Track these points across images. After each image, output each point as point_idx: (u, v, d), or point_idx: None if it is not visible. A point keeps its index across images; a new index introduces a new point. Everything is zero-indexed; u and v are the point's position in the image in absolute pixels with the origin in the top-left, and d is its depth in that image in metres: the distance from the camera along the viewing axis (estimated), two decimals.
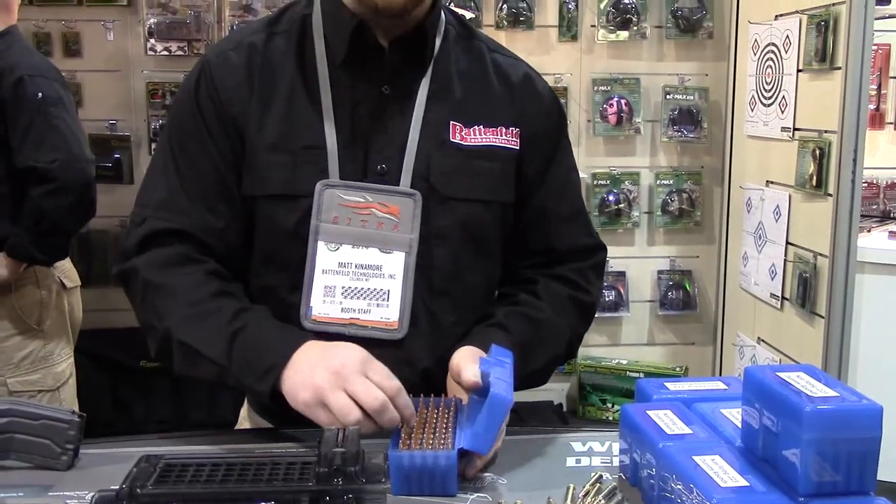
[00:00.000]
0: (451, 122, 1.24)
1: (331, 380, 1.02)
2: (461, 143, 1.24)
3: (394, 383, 1.03)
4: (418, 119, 1.22)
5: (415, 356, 1.22)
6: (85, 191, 2.32)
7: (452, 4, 3.05)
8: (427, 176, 1.21)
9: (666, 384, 1.10)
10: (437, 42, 1.26)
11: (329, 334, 1.17)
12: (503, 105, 1.28)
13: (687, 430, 0.94)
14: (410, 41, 1.23)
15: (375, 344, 1.16)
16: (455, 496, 0.97)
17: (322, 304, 1.19)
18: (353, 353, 1.05)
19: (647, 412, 0.99)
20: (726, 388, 1.09)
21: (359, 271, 1.20)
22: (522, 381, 1.17)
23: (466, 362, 1.09)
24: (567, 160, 1.37)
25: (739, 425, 0.93)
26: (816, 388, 0.83)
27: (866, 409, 0.80)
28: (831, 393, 0.82)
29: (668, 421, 0.96)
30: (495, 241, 1.30)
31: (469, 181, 1.24)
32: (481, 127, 1.25)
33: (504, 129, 1.26)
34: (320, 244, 1.19)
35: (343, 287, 1.19)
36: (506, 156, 1.27)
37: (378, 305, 1.19)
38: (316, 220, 1.18)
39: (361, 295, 1.19)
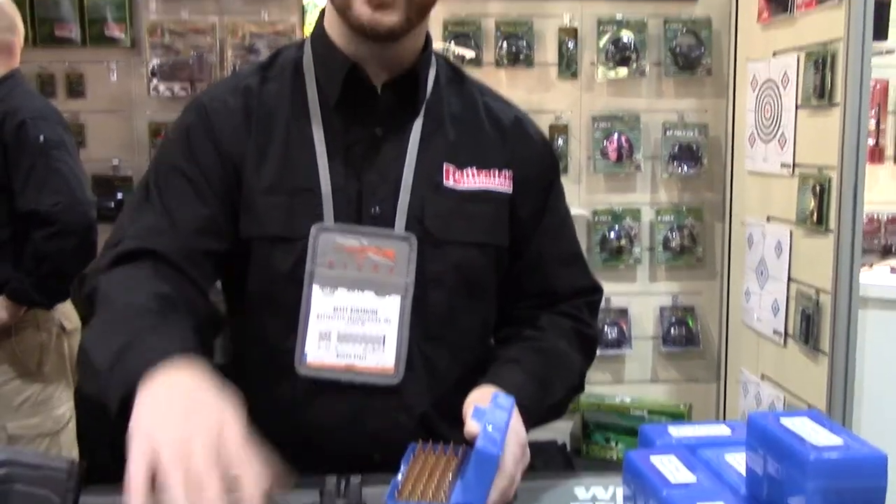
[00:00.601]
0: (445, 165, 1.24)
1: (174, 451, 0.78)
2: (455, 186, 1.24)
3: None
4: (412, 161, 1.22)
5: (412, 402, 1.21)
6: (86, 233, 2.33)
7: (453, 43, 3.07)
8: (421, 219, 1.21)
9: (669, 429, 1.08)
10: (430, 84, 1.27)
11: (324, 381, 1.16)
12: (495, 148, 1.29)
13: (691, 478, 0.92)
14: (403, 83, 1.23)
15: (372, 391, 1.15)
16: None
17: (317, 349, 1.18)
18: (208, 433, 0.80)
19: (651, 458, 0.97)
20: (730, 432, 1.08)
21: (354, 316, 1.19)
22: (543, 415, 1.19)
23: (472, 408, 1.08)
24: (562, 203, 1.38)
25: (744, 472, 0.92)
26: (821, 436, 0.82)
27: (872, 457, 0.79)
28: (836, 440, 0.81)
29: (671, 468, 0.95)
30: (490, 283, 1.29)
31: (463, 224, 1.24)
32: (474, 169, 1.25)
33: (497, 172, 1.27)
34: (315, 288, 1.18)
35: (338, 332, 1.18)
36: (499, 199, 1.27)
37: (374, 350, 1.19)
38: (311, 264, 1.18)
39: (357, 340, 1.19)
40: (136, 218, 1.18)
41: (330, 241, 1.18)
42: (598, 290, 1.40)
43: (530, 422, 1.16)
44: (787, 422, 0.86)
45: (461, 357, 1.26)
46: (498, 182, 1.27)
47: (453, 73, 1.34)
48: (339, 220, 1.19)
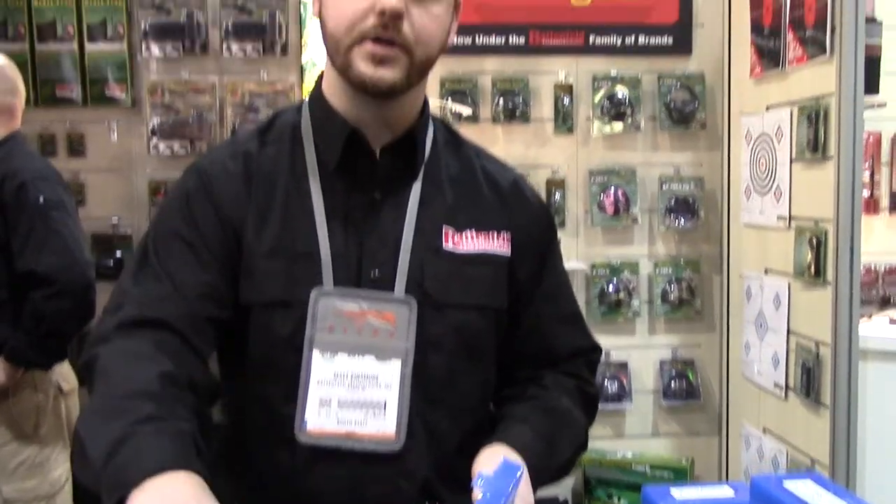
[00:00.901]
0: (444, 228, 1.25)
1: None
2: (454, 249, 1.24)
3: None
4: (411, 224, 1.23)
5: (413, 468, 1.20)
6: (84, 294, 2.33)
7: (450, 99, 3.11)
8: (421, 282, 1.21)
9: (672, 491, 1.08)
10: (427, 147, 1.28)
11: (325, 448, 1.15)
12: (494, 211, 1.29)
13: None
14: (401, 147, 1.24)
15: (373, 458, 1.14)
16: None
17: (317, 416, 1.17)
18: None
19: None
20: (733, 494, 1.07)
21: (355, 381, 1.18)
22: (552, 474, 1.19)
23: (476, 475, 1.07)
24: (560, 264, 1.39)
25: None
26: (824, 499, 0.82)
27: None
28: (839, 503, 0.81)
29: None
30: (489, 346, 1.29)
31: (463, 287, 1.24)
32: (473, 232, 1.26)
33: (496, 235, 1.28)
34: (315, 353, 1.17)
35: (339, 398, 1.17)
36: (498, 261, 1.28)
37: (374, 416, 1.17)
38: (311, 330, 1.17)
39: (358, 406, 1.18)
40: (137, 283, 1.17)
41: (330, 305, 1.18)
42: (596, 350, 1.41)
43: (539, 481, 1.16)
44: (790, 485, 0.85)
45: (461, 420, 1.25)
46: (497, 245, 1.28)
47: (450, 135, 1.35)
48: (338, 284, 1.19)
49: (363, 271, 1.21)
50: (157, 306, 1.13)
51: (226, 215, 1.21)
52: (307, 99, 1.31)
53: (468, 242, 1.26)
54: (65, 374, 2.52)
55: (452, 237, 1.25)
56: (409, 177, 1.26)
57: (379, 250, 1.22)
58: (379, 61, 1.14)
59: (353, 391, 1.18)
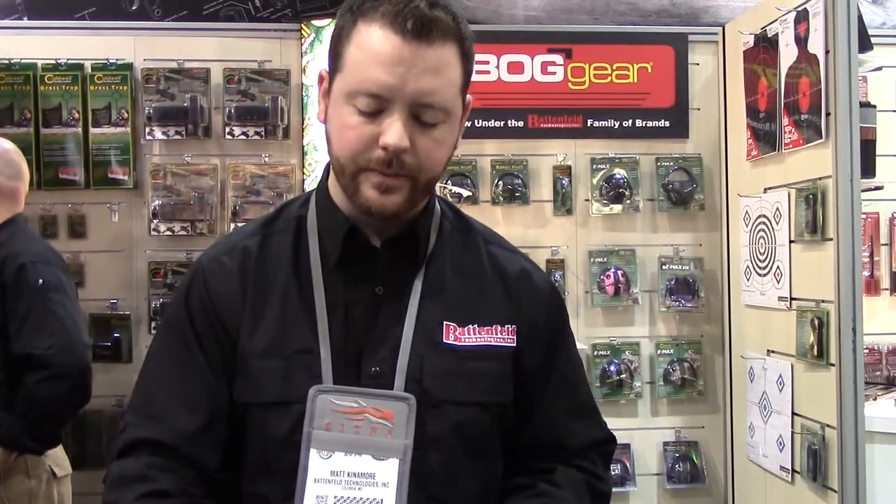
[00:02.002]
0: (445, 323, 1.23)
1: None
2: (455, 343, 1.22)
3: None
4: (412, 319, 1.21)
5: None
6: (81, 377, 2.31)
7: (450, 182, 3.14)
8: (420, 378, 1.19)
9: None
10: (432, 239, 1.27)
11: None
12: (500, 301, 1.27)
13: None
14: (403, 241, 1.24)
15: None
16: None
17: None
18: None
19: None
20: None
21: (351, 480, 1.15)
22: None
23: None
24: (571, 355, 1.35)
25: None
26: None
27: None
28: None
29: None
30: (493, 442, 1.26)
31: (463, 384, 1.21)
32: (476, 326, 1.24)
33: (500, 328, 1.25)
34: (312, 452, 1.15)
35: (335, 496, 1.14)
36: (502, 354, 1.25)
37: None
38: (308, 427, 1.15)
39: None
40: (139, 393, 1.24)
41: (328, 403, 1.16)
42: (611, 441, 1.37)
43: None
44: None
45: None
46: (500, 338, 1.25)
47: (459, 221, 1.33)
48: (337, 380, 1.18)
49: (363, 368, 1.19)
50: (147, 425, 1.20)
51: (219, 317, 1.21)
52: (315, 191, 1.31)
53: (470, 336, 1.23)
54: (58, 458, 2.47)
55: (454, 332, 1.23)
56: (412, 270, 1.24)
57: (379, 347, 1.20)
58: (384, 190, 1.15)
59: (350, 490, 1.15)
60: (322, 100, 1.23)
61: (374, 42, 1.12)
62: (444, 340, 1.22)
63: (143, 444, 1.18)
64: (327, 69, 1.21)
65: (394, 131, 1.12)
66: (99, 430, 3.16)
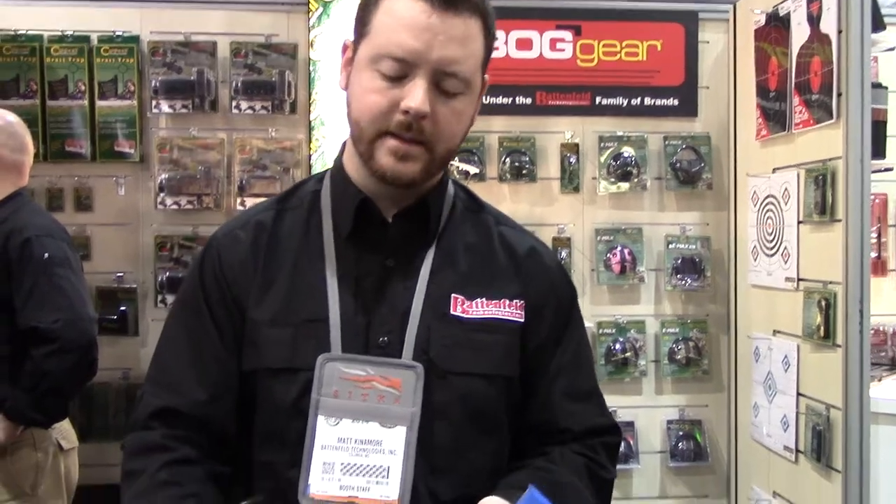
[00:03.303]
0: (453, 295, 1.23)
1: None
2: (462, 315, 1.23)
3: None
4: (421, 292, 1.22)
5: None
6: (86, 351, 2.32)
7: (457, 160, 3.12)
8: (427, 349, 1.20)
9: None
10: (444, 215, 1.28)
11: None
12: (507, 278, 1.28)
13: None
14: (414, 214, 1.25)
15: None
16: None
17: (321, 481, 1.15)
18: None
19: None
20: None
21: (358, 447, 1.16)
22: None
23: None
24: (578, 337, 1.34)
25: None
26: None
27: None
28: None
29: None
30: (500, 416, 1.26)
31: (469, 355, 1.22)
32: (483, 300, 1.24)
33: (507, 302, 1.25)
34: (320, 419, 1.17)
35: (342, 463, 1.15)
36: (509, 328, 1.25)
37: (378, 483, 1.15)
38: (316, 394, 1.17)
39: (361, 472, 1.16)
40: (156, 364, 1.27)
41: (336, 370, 1.17)
42: (615, 431, 1.35)
43: None
44: None
45: (469, 491, 1.20)
46: (508, 311, 1.25)
47: (471, 201, 1.35)
48: (346, 350, 1.19)
49: (371, 338, 1.21)
50: (164, 395, 1.22)
51: (231, 289, 1.24)
52: (330, 168, 1.33)
53: (477, 309, 1.24)
54: (64, 431, 2.49)
55: (461, 304, 1.23)
56: (423, 244, 1.25)
57: (387, 317, 1.21)
58: (401, 157, 1.16)
59: (357, 456, 1.16)
60: (344, 69, 1.24)
61: (403, 8, 1.14)
62: (452, 312, 1.23)
63: (161, 412, 1.21)
64: (352, 39, 1.23)
65: (416, 95, 1.13)
66: (105, 402, 3.18)
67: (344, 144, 1.31)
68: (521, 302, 1.26)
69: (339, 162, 1.30)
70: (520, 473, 1.23)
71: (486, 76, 1.25)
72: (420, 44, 1.13)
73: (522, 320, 1.26)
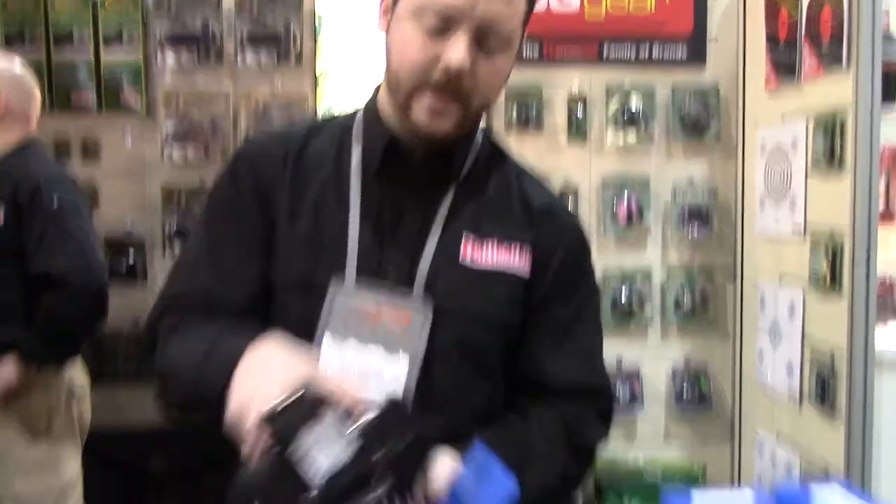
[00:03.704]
0: (464, 240, 1.25)
1: (239, 411, 0.99)
2: (471, 260, 1.24)
3: None
4: (435, 234, 1.24)
5: None
6: (97, 297, 2.35)
7: None
8: (432, 291, 1.22)
9: (693, 495, 1.08)
10: (469, 162, 1.29)
11: None
12: (521, 229, 1.28)
13: None
14: (441, 158, 1.26)
15: None
16: None
17: None
18: (273, 388, 0.94)
19: None
20: (755, 499, 1.07)
21: (361, 373, 1.18)
22: None
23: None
24: (585, 298, 1.33)
25: None
26: None
27: None
28: None
29: None
30: (496, 362, 1.27)
31: (473, 299, 1.23)
32: (494, 248, 1.25)
33: (517, 253, 1.26)
34: (326, 336, 1.19)
35: None
36: (515, 279, 1.26)
37: None
38: (326, 321, 1.19)
39: None
40: (193, 272, 1.26)
41: (347, 300, 1.20)
42: (605, 394, 1.32)
43: None
44: (817, 492, 0.85)
45: (460, 436, 1.18)
46: (516, 262, 1.26)
47: (496, 151, 1.35)
48: (359, 282, 1.21)
49: (381, 272, 1.22)
50: (207, 303, 1.22)
51: (262, 194, 1.25)
52: (363, 106, 1.34)
53: (487, 255, 1.25)
54: (76, 375, 2.53)
55: (472, 248, 1.25)
56: (444, 187, 1.27)
57: (398, 256, 1.23)
58: (436, 113, 1.17)
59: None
60: (384, 15, 1.23)
61: None
62: (462, 256, 1.24)
63: (197, 304, 1.23)
64: None
65: (458, 51, 1.13)
66: (116, 350, 3.23)
67: (376, 89, 1.31)
68: (530, 254, 1.27)
69: (372, 102, 1.31)
70: (491, 429, 1.22)
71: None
72: (464, 0, 1.12)
73: (528, 272, 1.27)
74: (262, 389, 0.95)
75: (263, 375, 0.98)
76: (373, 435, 0.84)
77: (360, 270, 1.21)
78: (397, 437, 0.86)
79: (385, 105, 1.27)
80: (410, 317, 1.20)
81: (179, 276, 1.28)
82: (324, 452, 0.81)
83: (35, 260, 2.31)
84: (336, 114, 1.38)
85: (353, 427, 0.84)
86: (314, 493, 0.80)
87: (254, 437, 0.91)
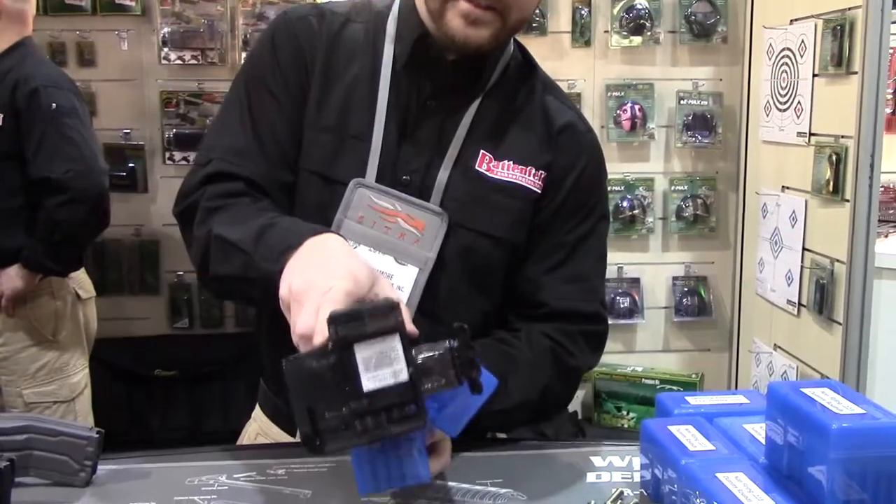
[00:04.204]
0: (482, 151, 1.22)
1: (301, 291, 0.93)
2: (485, 173, 1.22)
3: None
4: (458, 142, 1.21)
5: None
6: (98, 201, 2.33)
7: None
8: (442, 198, 1.20)
9: (687, 398, 1.08)
10: (497, 72, 1.25)
11: None
12: (539, 146, 1.25)
13: (709, 446, 0.92)
14: (470, 65, 1.21)
15: None
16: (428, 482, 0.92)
17: None
18: (342, 282, 0.91)
19: (669, 427, 0.97)
20: (748, 402, 1.08)
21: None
22: (488, 417, 1.08)
23: None
24: (591, 226, 1.29)
25: (762, 441, 0.92)
26: (842, 405, 0.82)
27: (894, 427, 0.79)
28: (858, 410, 0.81)
29: (689, 436, 0.95)
30: (498, 278, 1.26)
31: (482, 214, 1.22)
32: (510, 162, 1.23)
33: (532, 171, 1.24)
34: None
35: None
36: (526, 196, 1.24)
37: None
38: (342, 215, 1.17)
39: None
40: (225, 133, 1.23)
41: (365, 197, 1.18)
42: (598, 320, 1.29)
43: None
44: (808, 391, 0.85)
45: None
46: (531, 180, 1.24)
47: (525, 64, 1.30)
48: (378, 178, 1.19)
49: (396, 173, 1.21)
50: (242, 164, 1.19)
51: (300, 65, 1.22)
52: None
53: (501, 171, 1.22)
54: (82, 281, 2.54)
55: (488, 162, 1.22)
56: (470, 94, 1.23)
57: (416, 158, 1.21)
58: (472, 21, 1.12)
59: None
60: None
61: None
62: (477, 167, 1.22)
63: (235, 177, 1.18)
64: None
65: None
66: (118, 258, 3.23)
67: None
68: (544, 174, 1.24)
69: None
70: (479, 341, 1.18)
71: None
72: None
73: (540, 191, 1.24)
74: (323, 280, 0.92)
75: (326, 266, 0.95)
76: (421, 373, 0.85)
77: (380, 170, 1.20)
78: (440, 379, 0.87)
79: (422, 5, 1.21)
80: (426, 225, 1.19)
81: (214, 141, 1.24)
82: (374, 370, 0.83)
83: (35, 164, 2.29)
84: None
85: (407, 361, 0.85)
86: (364, 401, 0.83)
87: (313, 326, 0.88)
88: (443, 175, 1.20)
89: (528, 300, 1.27)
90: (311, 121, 1.21)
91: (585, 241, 1.28)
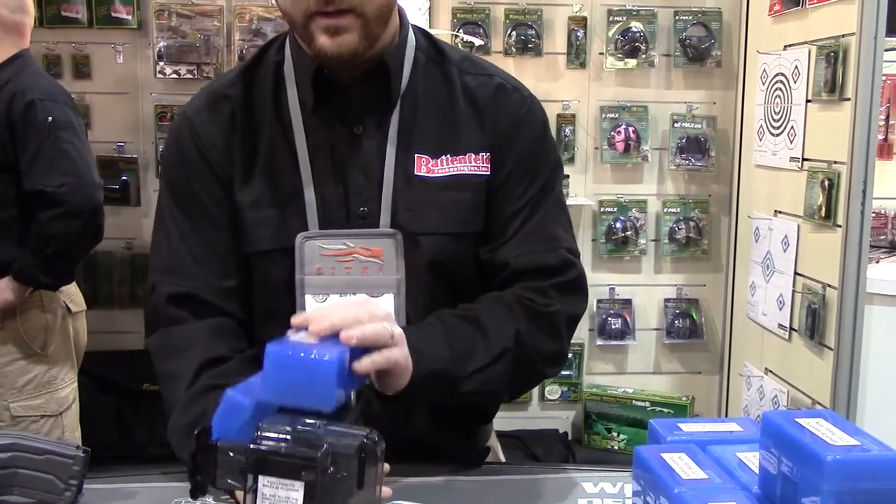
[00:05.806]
0: (417, 155, 1.21)
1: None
2: (427, 175, 1.21)
3: None
4: (391, 156, 1.20)
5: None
6: (92, 215, 2.32)
7: (461, 31, 3.06)
8: (395, 214, 1.19)
9: (680, 425, 1.08)
10: (406, 72, 1.23)
11: None
12: (473, 131, 1.23)
13: (703, 475, 0.92)
14: (375, 77, 1.20)
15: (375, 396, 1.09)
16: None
17: None
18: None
19: (662, 455, 0.97)
20: (741, 430, 1.08)
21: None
22: (469, 379, 1.09)
23: None
24: (546, 177, 1.27)
25: (755, 470, 0.91)
26: (836, 436, 0.82)
27: (889, 459, 0.79)
28: (852, 441, 0.81)
29: (682, 464, 0.94)
30: (471, 272, 1.25)
31: (435, 215, 1.20)
32: (448, 157, 1.21)
33: (473, 156, 1.22)
34: (308, 297, 1.17)
35: None
36: (476, 183, 1.22)
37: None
38: (300, 274, 1.17)
39: None
40: (161, 253, 1.24)
41: (315, 248, 1.17)
42: (566, 268, 1.25)
43: (439, 385, 1.09)
44: (803, 421, 0.85)
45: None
46: (474, 166, 1.22)
47: (434, 51, 1.28)
48: (327, 224, 1.18)
49: (351, 209, 1.19)
50: (181, 282, 1.20)
51: (216, 171, 1.21)
52: (288, 35, 1.25)
53: (442, 167, 1.21)
54: (73, 295, 2.52)
55: (426, 164, 1.21)
56: (387, 107, 1.21)
57: (364, 186, 1.20)
58: (333, 32, 1.10)
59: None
60: None
61: None
62: (416, 173, 1.20)
63: (180, 298, 1.20)
64: None
65: None
66: (110, 272, 3.22)
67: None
68: (487, 154, 1.23)
69: (294, 37, 1.22)
70: (425, 323, 1.17)
71: None
72: None
73: (489, 173, 1.23)
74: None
75: None
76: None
77: (326, 216, 1.18)
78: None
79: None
80: (383, 251, 1.18)
81: (153, 261, 1.26)
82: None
83: (29, 177, 2.27)
84: (267, 44, 1.29)
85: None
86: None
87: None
88: (386, 192, 1.19)
89: (494, 265, 1.24)
90: (246, 203, 1.20)
91: (541, 196, 1.26)
